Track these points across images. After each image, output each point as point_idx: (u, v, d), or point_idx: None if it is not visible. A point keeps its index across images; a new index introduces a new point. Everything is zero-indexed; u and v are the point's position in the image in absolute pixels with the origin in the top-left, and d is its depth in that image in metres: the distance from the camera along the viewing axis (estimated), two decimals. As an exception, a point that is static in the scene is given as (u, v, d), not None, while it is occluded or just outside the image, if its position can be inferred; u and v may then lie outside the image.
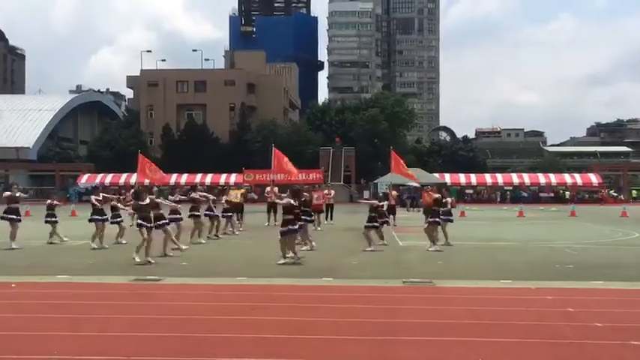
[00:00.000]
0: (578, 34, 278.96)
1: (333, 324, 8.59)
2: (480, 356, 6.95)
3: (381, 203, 19.45)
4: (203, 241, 19.66)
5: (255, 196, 32.54)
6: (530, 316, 9.18)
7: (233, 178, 62.84)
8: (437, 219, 18.04)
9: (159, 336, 7.91)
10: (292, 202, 15.26)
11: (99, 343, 7.58)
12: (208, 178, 65.16)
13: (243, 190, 27.30)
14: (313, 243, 17.58)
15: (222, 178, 64.85)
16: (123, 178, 65.66)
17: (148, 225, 15.10)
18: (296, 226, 15.12)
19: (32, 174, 77.03)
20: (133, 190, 16.93)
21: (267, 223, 27.52)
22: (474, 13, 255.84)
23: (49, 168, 75.55)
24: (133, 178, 61.79)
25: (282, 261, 14.66)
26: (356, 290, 11.41)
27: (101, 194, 19.79)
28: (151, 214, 15.51)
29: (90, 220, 18.75)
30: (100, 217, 18.65)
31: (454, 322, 8.72)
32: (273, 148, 31.22)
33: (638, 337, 7.76)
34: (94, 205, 18.94)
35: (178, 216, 18.67)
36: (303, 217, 16.84)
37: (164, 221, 16.46)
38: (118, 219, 19.14)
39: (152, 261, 14.79)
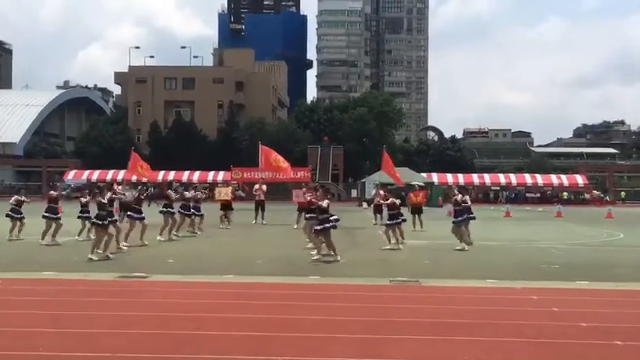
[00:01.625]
0: (567, 35, 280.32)
1: (320, 322, 8.60)
2: (465, 355, 6.98)
3: (398, 200, 19.14)
4: (161, 238, 19.46)
5: (243, 194, 32.44)
6: (515, 316, 9.23)
7: (221, 175, 62.71)
8: (461, 218, 18.09)
9: (144, 333, 7.90)
10: (328, 201, 15.34)
11: (84, 339, 7.55)
12: (196, 176, 64.99)
13: (230, 188, 27.28)
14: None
15: (210, 176, 64.74)
16: (110, 174, 65.38)
17: (104, 222, 15.16)
18: (331, 223, 15.04)
19: (18, 170, 76.57)
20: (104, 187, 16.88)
21: (254, 221, 27.49)
22: (463, 14, 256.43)
23: (36, 164, 75.13)
24: (121, 175, 61.80)
25: (315, 257, 14.86)
26: (343, 289, 11.42)
27: (52, 192, 20.16)
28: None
29: (43, 217, 18.88)
30: (52, 215, 18.81)
31: (440, 321, 8.75)
32: (260, 145, 31.16)
33: (622, 337, 7.81)
34: (50, 201, 19.19)
35: (136, 215, 18.24)
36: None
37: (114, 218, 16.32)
38: (86, 214, 19.01)
39: (111, 256, 14.90)
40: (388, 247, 17.67)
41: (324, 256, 15.01)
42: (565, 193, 66.78)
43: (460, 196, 18.46)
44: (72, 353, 6.93)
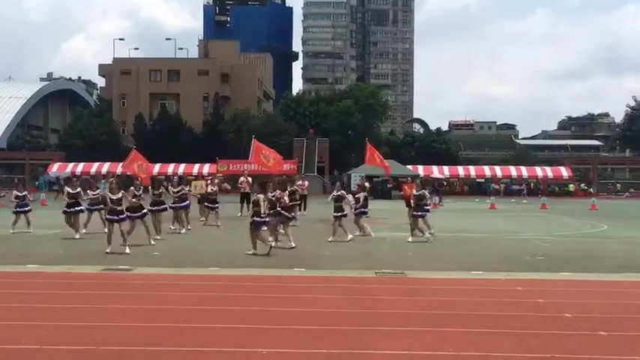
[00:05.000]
0: (553, 28, 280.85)
1: (305, 314, 8.59)
2: (450, 346, 7.00)
3: (339, 193, 19.03)
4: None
5: (229, 187, 32.30)
6: (500, 307, 9.27)
7: (206, 168, 62.54)
8: (421, 212, 18.17)
9: (129, 326, 7.85)
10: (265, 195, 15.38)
11: (68, 332, 7.50)
12: (181, 168, 64.72)
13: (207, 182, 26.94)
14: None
15: (195, 168, 64.49)
16: (94, 167, 65.05)
17: (116, 218, 15.03)
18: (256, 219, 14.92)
19: (2, 162, 75.93)
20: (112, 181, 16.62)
21: (239, 214, 27.42)
22: (449, 6, 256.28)
23: (19, 156, 74.53)
24: (105, 168, 61.48)
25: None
26: (328, 281, 11.42)
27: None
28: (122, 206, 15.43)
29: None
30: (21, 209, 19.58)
31: (425, 312, 8.77)
32: (254, 139, 31.01)
33: (606, 328, 7.87)
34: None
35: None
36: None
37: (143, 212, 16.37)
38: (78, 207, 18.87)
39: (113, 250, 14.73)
40: (331, 239, 17.73)
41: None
42: (571, 185, 67.41)
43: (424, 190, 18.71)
44: (55, 347, 6.88)
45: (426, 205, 18.60)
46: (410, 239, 17.73)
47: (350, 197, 19.11)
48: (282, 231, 16.56)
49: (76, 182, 19.78)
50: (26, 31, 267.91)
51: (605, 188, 69.86)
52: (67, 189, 18.67)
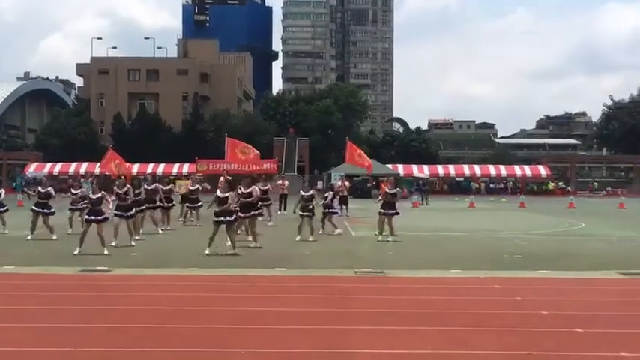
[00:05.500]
0: (533, 27, 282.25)
1: (286, 314, 8.59)
2: (430, 344, 7.03)
3: (310, 193, 19.17)
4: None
5: (209, 186, 32.18)
6: (478, 305, 9.33)
7: (186, 168, 62.32)
8: (393, 211, 18.24)
9: (107, 327, 7.79)
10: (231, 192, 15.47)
11: (44, 334, 7.43)
12: (160, 168, 64.35)
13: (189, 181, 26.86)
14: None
15: (175, 168, 64.20)
16: (72, 167, 64.54)
17: (94, 218, 14.85)
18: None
19: (-22, 163, 75.04)
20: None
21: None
22: (429, 5, 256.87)
23: (-4, 156, 73.72)
24: (83, 168, 60.99)
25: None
26: (308, 280, 11.42)
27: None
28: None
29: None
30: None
31: (405, 311, 8.81)
32: (227, 137, 30.92)
33: (582, 325, 7.95)
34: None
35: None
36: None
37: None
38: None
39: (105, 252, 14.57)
40: (298, 238, 17.80)
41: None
42: (551, 184, 68.02)
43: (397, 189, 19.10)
44: (31, 348, 6.82)
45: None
46: (390, 238, 17.78)
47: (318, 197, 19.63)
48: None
49: (46, 182, 19.39)
50: (2, 29, 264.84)
51: (582, 187, 70.56)
52: (38, 188, 18.50)
